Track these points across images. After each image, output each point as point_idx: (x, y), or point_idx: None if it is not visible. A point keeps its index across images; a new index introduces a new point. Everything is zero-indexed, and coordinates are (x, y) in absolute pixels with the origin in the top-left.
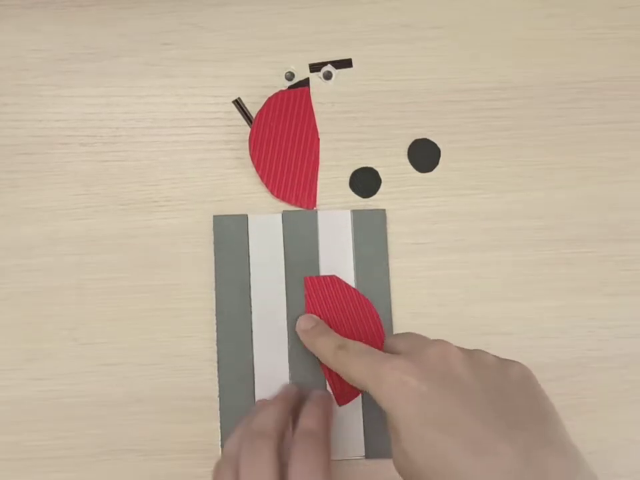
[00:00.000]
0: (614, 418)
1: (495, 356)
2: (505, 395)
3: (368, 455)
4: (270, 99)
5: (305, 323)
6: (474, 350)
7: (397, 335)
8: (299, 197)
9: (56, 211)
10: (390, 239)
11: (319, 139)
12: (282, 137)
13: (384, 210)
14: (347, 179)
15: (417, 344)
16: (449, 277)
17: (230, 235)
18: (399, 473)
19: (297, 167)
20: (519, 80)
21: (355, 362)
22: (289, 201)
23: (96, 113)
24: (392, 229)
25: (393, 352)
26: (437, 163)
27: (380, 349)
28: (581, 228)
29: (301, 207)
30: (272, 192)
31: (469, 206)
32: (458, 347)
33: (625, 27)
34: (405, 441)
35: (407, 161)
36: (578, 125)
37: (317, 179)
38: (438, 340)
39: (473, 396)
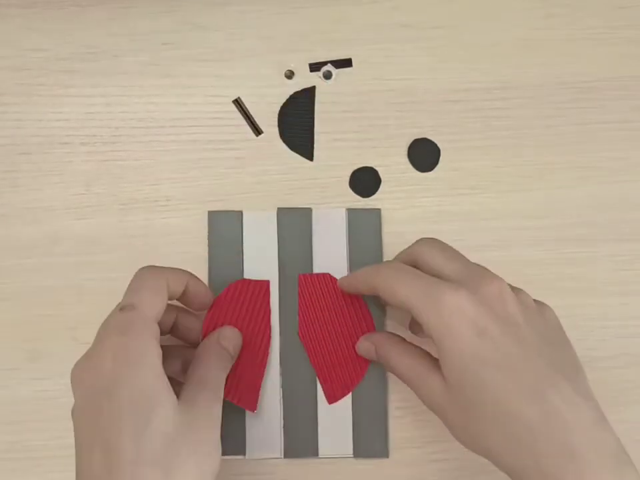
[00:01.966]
0: (614, 418)
1: (530, 297)
2: (548, 341)
3: (356, 455)
4: (230, 285)
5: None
6: (517, 289)
7: (430, 243)
8: (240, 396)
9: (56, 211)
10: (390, 238)
11: (270, 337)
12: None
13: (379, 209)
14: (347, 179)
15: (470, 274)
16: None
17: (224, 231)
18: (430, 405)
19: (244, 365)
20: (518, 80)
21: (403, 278)
22: (230, 398)
23: (96, 112)
24: (392, 228)
25: (434, 267)
26: (437, 163)
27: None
28: (581, 228)
29: (242, 407)
30: None
31: (469, 206)
32: (508, 284)
33: (625, 26)
34: (454, 372)
35: (406, 160)
36: (578, 124)
37: (260, 381)
38: (491, 274)
39: (525, 342)
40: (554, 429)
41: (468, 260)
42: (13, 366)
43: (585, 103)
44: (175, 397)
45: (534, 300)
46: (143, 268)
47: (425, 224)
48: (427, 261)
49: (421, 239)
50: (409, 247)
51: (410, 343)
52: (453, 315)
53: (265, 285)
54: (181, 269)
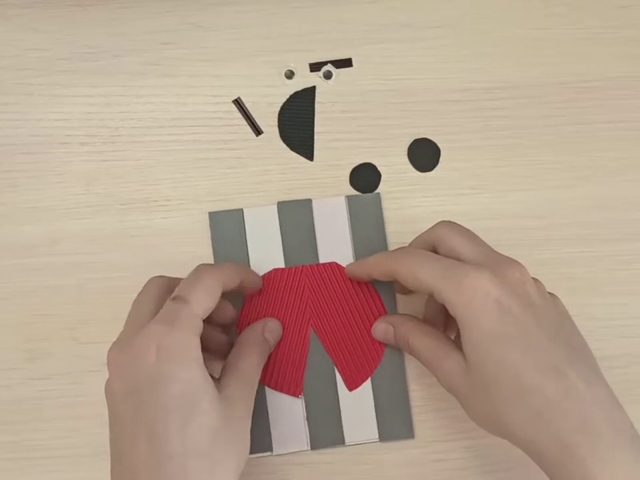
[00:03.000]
0: None
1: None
2: (564, 327)
3: (382, 439)
4: (264, 276)
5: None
6: (534, 278)
7: (450, 225)
8: (284, 384)
9: (56, 211)
10: (390, 238)
11: (310, 322)
12: (272, 317)
13: (378, 193)
14: (347, 178)
15: (492, 258)
16: None
17: (227, 231)
18: (447, 385)
19: (285, 353)
20: (518, 80)
21: (422, 261)
22: (273, 387)
23: (96, 112)
24: (392, 228)
25: (455, 248)
26: (437, 163)
27: None
28: (581, 228)
29: (286, 393)
30: None
31: (469, 205)
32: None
33: (625, 26)
34: (475, 350)
35: (407, 160)
36: (578, 124)
37: (303, 367)
38: (513, 260)
39: (546, 324)
40: (572, 405)
41: (488, 245)
42: (12, 366)
43: (585, 103)
44: (217, 391)
45: (549, 292)
46: (203, 265)
47: (425, 224)
48: (447, 242)
49: (441, 221)
50: (428, 229)
51: (427, 324)
52: (476, 294)
53: (298, 271)
54: (237, 267)
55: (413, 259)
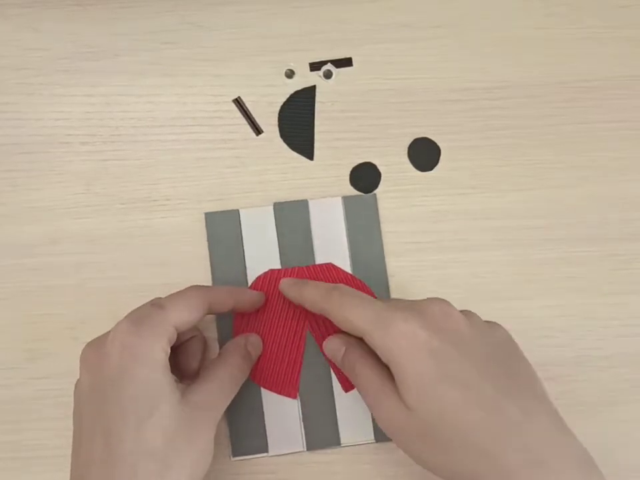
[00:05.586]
0: (614, 416)
1: (479, 317)
2: (500, 356)
3: (378, 439)
4: (259, 277)
5: (286, 280)
6: (466, 311)
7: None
8: (280, 385)
9: (56, 210)
10: (390, 238)
11: (306, 324)
12: (267, 318)
13: (375, 194)
14: (347, 178)
15: (414, 302)
16: (449, 276)
17: (223, 231)
18: (388, 429)
19: (281, 355)
20: (518, 80)
21: (356, 304)
22: (269, 388)
23: (96, 112)
24: (392, 227)
25: None
26: (437, 162)
27: None
28: (581, 228)
29: (282, 394)
30: (252, 378)
31: (469, 205)
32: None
33: (625, 26)
34: (413, 394)
35: (407, 160)
36: (578, 124)
37: (299, 369)
38: (435, 298)
39: (478, 356)
40: (514, 439)
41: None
42: (12, 366)
43: (585, 103)
44: (178, 393)
45: (486, 321)
46: (194, 285)
47: (424, 223)
48: None
49: None
50: None
51: (379, 359)
52: (405, 340)
53: (295, 272)
54: (231, 290)
55: (345, 300)
